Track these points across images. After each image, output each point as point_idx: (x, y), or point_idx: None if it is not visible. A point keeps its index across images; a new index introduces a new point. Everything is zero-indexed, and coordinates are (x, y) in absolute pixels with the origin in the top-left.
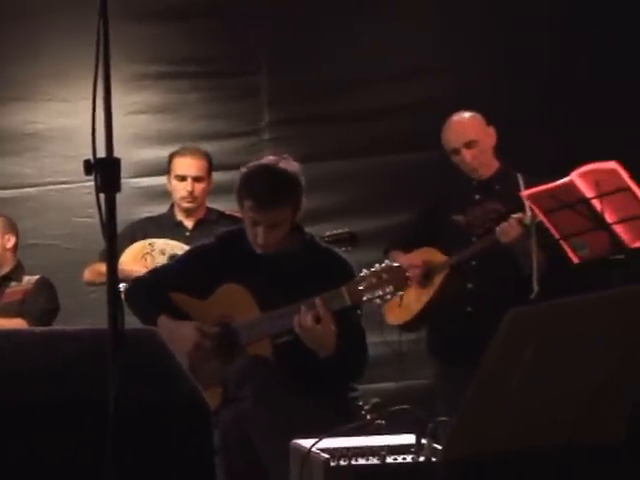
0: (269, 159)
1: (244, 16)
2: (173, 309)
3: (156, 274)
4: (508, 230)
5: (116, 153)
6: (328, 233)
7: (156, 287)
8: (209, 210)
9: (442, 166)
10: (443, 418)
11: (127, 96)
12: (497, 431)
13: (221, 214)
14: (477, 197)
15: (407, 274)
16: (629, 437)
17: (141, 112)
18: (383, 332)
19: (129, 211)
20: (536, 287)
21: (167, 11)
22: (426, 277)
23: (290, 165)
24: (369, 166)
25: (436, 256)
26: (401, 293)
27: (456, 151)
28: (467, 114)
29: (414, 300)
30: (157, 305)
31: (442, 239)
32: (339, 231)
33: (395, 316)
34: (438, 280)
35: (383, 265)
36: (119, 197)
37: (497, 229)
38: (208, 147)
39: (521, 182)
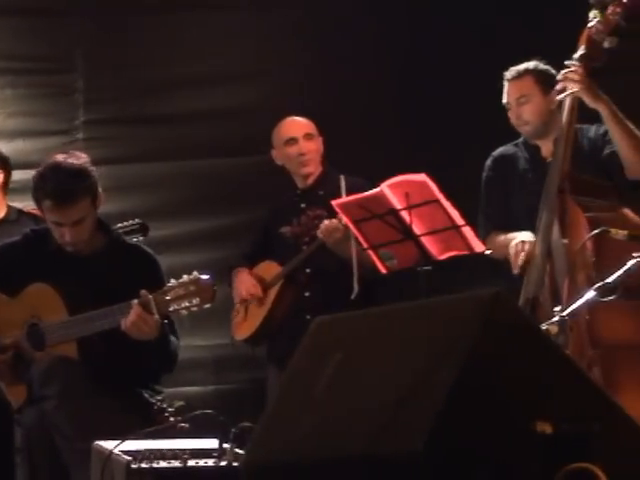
0: (57, 157)
1: (62, 15)
2: None
3: None
4: (330, 231)
5: None
6: (120, 225)
7: None
8: (9, 209)
9: (265, 171)
10: (246, 424)
11: None
12: (299, 438)
13: (21, 212)
14: (302, 205)
15: (215, 288)
16: (427, 449)
17: None
18: (194, 336)
19: None
20: (356, 287)
21: None
22: (265, 291)
23: (79, 158)
24: (185, 169)
25: (274, 268)
26: (208, 305)
27: (294, 140)
28: (306, 119)
29: (254, 314)
30: None
31: (276, 252)
32: (130, 222)
33: (241, 331)
34: (274, 292)
35: (191, 277)
36: None
37: (319, 232)
38: (22, 144)
39: (343, 184)
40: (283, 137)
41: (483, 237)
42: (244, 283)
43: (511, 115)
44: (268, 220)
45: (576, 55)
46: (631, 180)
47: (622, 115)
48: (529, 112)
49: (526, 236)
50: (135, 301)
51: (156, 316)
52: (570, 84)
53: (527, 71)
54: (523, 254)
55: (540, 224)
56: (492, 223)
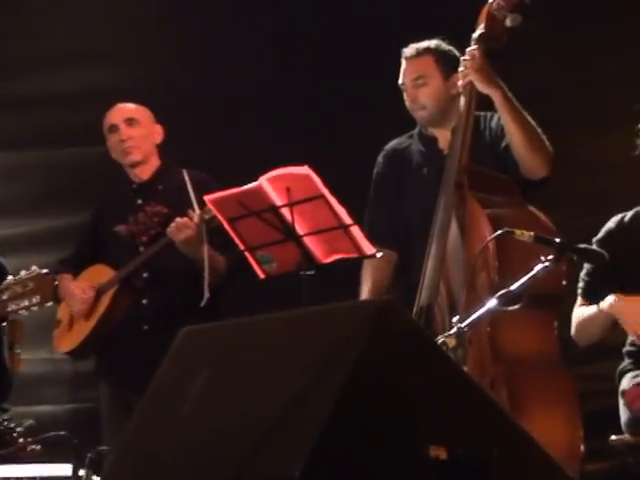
0: None
1: None
2: None
3: None
4: (181, 228)
5: None
6: None
7: None
8: None
9: (107, 167)
10: (104, 447)
11: None
12: (163, 463)
13: None
14: (139, 202)
15: (56, 282)
16: (305, 475)
17: None
18: (45, 348)
19: None
20: (207, 293)
21: None
22: (96, 297)
23: None
24: (35, 160)
25: (105, 273)
26: (49, 304)
27: (114, 127)
28: (135, 104)
29: (82, 324)
30: None
31: (109, 254)
32: None
33: (64, 343)
34: (107, 299)
35: (29, 272)
36: None
37: (168, 229)
38: None
39: (187, 178)
40: (105, 126)
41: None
42: (74, 290)
43: (406, 97)
44: (98, 218)
45: (475, 34)
46: (526, 178)
47: (518, 103)
48: (426, 95)
49: None
50: None
51: None
52: (465, 68)
53: (427, 50)
54: None
55: (435, 223)
56: (375, 232)
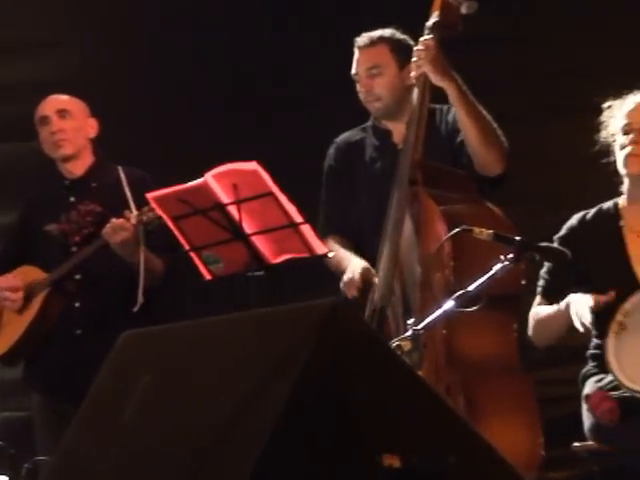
0: None
1: None
2: None
3: None
4: (117, 229)
5: None
6: None
7: None
8: None
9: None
10: (42, 457)
11: None
12: (103, 475)
13: None
14: (72, 199)
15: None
16: None
17: None
18: None
19: None
20: (140, 299)
21: None
22: (26, 300)
23: None
24: None
25: (36, 274)
26: None
27: (46, 119)
28: (68, 96)
29: (11, 328)
30: None
31: (39, 255)
32: None
33: None
34: (38, 302)
35: None
36: None
37: (104, 230)
38: None
39: (122, 176)
40: (37, 118)
41: (321, 238)
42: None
43: (360, 88)
44: (28, 216)
45: (429, 23)
46: (482, 175)
47: (473, 97)
48: (381, 86)
49: (357, 267)
50: None
51: None
52: (419, 59)
53: (382, 39)
54: (355, 290)
55: (389, 220)
56: (332, 225)
